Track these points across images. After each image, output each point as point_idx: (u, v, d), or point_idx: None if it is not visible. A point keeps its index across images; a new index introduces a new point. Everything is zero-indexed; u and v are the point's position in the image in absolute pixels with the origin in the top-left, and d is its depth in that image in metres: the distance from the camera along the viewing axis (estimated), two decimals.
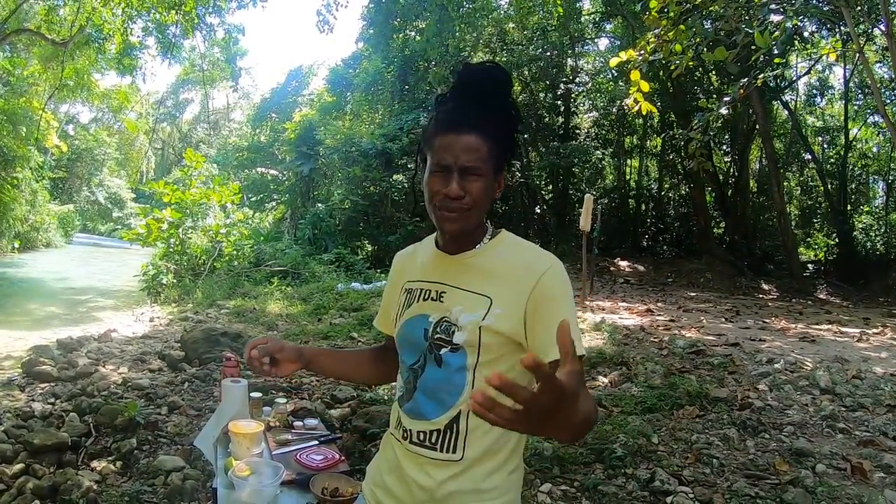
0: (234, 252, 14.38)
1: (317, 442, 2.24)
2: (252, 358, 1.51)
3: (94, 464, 4.04)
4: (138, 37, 20.49)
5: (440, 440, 1.31)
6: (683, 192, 20.38)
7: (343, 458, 2.10)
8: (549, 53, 17.83)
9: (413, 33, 18.73)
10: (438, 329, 1.33)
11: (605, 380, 5.57)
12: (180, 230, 14.40)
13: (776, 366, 5.90)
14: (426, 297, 1.39)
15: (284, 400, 2.57)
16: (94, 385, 5.59)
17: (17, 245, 23.58)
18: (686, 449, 4.02)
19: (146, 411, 4.73)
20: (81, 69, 21.56)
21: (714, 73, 16.34)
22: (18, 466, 3.93)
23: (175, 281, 13.12)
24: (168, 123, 54.82)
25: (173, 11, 17.76)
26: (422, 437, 1.33)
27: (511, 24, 18.67)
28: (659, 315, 9.71)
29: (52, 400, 5.39)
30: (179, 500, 3.60)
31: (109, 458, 4.09)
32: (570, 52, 19.08)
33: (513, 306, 1.28)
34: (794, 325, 8.94)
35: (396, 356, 1.46)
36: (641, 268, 16.55)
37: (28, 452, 4.08)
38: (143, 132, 43.55)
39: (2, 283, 15.62)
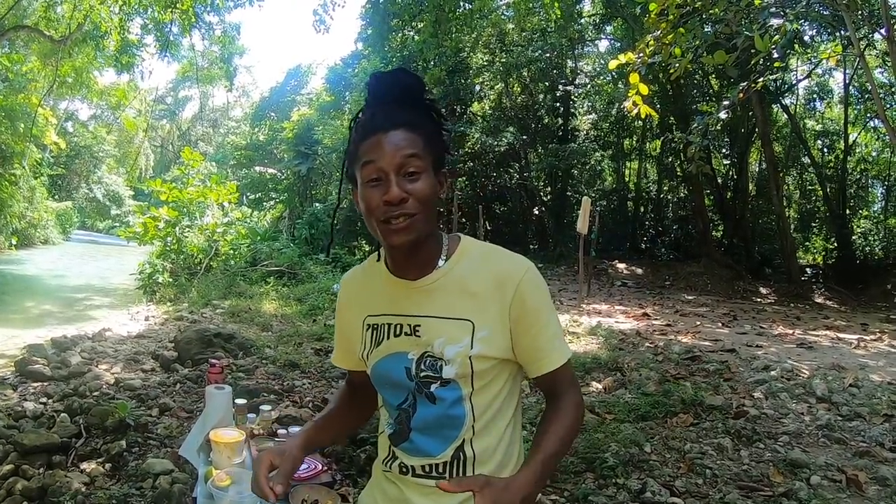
0: (231, 251, 14.40)
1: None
2: (279, 494, 1.29)
3: (84, 465, 4.01)
4: (136, 34, 20.50)
5: (448, 470, 1.26)
6: (682, 194, 20.36)
7: (326, 468, 2.07)
8: (548, 55, 17.78)
9: (411, 33, 18.70)
10: (423, 366, 1.24)
11: (599, 385, 5.54)
12: (177, 229, 14.39)
13: (772, 373, 5.86)
14: (398, 332, 1.28)
15: (269, 407, 2.53)
16: (87, 385, 5.56)
17: (14, 242, 23.62)
18: (679, 458, 3.98)
19: (137, 413, 4.71)
20: (80, 66, 21.60)
21: (714, 76, 16.34)
22: (8, 467, 3.91)
23: (171, 280, 13.10)
24: (167, 121, 54.85)
25: (171, 9, 17.74)
26: (427, 468, 1.27)
27: (510, 25, 18.64)
28: (655, 319, 9.69)
29: (45, 400, 5.37)
30: (167, 503, 3.57)
31: (99, 460, 4.06)
32: (569, 53, 19.05)
33: (497, 323, 1.22)
34: (791, 331, 8.90)
35: (365, 389, 1.41)
36: (639, 270, 16.53)
37: (18, 453, 4.06)
38: (141, 130, 43.52)
39: None
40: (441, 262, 1.26)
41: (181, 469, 3.87)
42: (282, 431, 2.36)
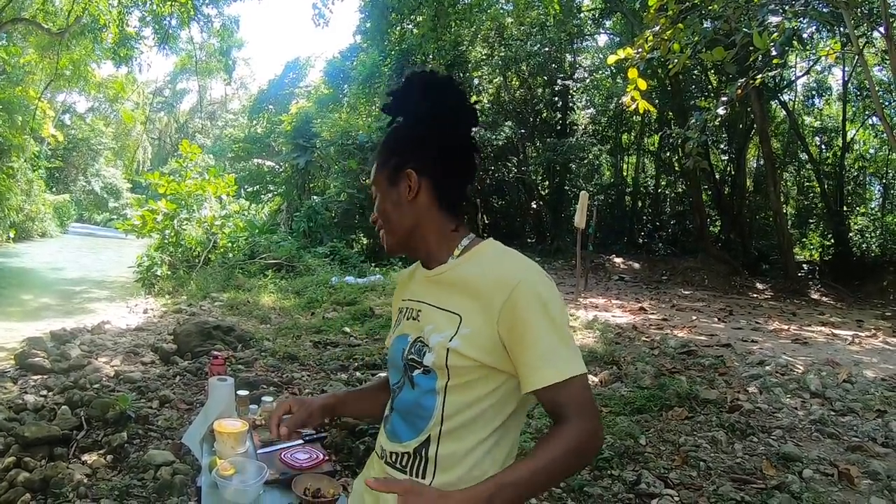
0: (229, 244, 14.38)
1: (302, 441, 2.24)
2: (282, 435, 1.51)
3: (86, 457, 4.04)
4: (135, 27, 20.46)
5: (410, 464, 1.28)
6: (680, 190, 20.40)
7: (327, 457, 2.09)
8: (547, 49, 17.78)
9: (410, 27, 18.68)
10: (412, 350, 1.29)
11: (596, 379, 5.58)
12: (175, 221, 14.37)
13: (767, 368, 5.92)
14: (409, 316, 1.38)
15: (271, 398, 2.55)
16: (87, 378, 5.59)
17: (12, 235, 23.56)
18: (673, 451, 4.03)
19: (137, 405, 4.74)
20: (78, 59, 21.56)
21: (712, 72, 16.35)
22: (10, 459, 3.93)
23: (169, 272, 13.10)
24: (165, 114, 54.69)
25: (169, 2, 17.71)
26: (394, 458, 1.31)
27: (509, 19, 18.62)
28: (652, 313, 9.74)
29: (45, 392, 5.38)
30: (168, 494, 3.60)
31: (100, 452, 4.09)
32: (568, 48, 19.05)
33: (483, 326, 1.20)
34: (786, 327, 8.96)
35: None
36: (636, 265, 16.57)
37: (20, 445, 4.08)
38: (139, 122, 43.49)
39: None
40: (452, 258, 1.33)
41: (182, 460, 3.91)
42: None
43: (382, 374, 1.74)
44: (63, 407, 4.73)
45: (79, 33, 19.27)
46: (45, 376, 5.96)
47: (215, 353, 2.73)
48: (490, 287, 1.21)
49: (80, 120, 42.22)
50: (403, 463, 1.29)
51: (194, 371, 5.84)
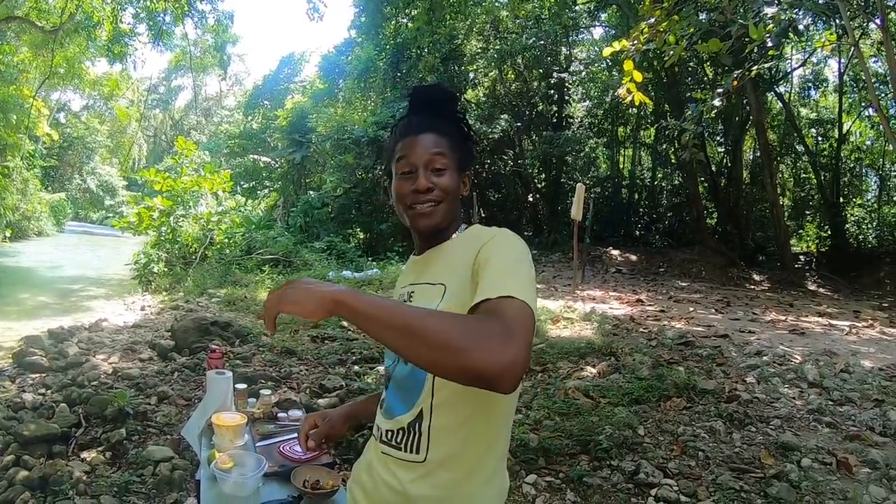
0: (226, 240, 14.41)
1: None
2: (311, 448, 1.67)
3: (85, 454, 4.05)
4: (129, 24, 20.37)
5: (404, 439, 1.30)
6: (676, 182, 20.40)
7: (326, 450, 2.09)
8: (542, 42, 17.72)
9: (405, 21, 18.64)
10: None
11: (594, 370, 5.59)
12: (171, 218, 14.38)
13: (765, 358, 5.93)
14: (402, 300, 1.43)
15: (269, 391, 2.56)
16: (85, 375, 5.59)
17: (8, 234, 23.55)
18: (672, 441, 4.04)
19: (136, 401, 4.74)
20: (72, 57, 21.55)
21: (708, 64, 16.33)
22: (9, 458, 3.95)
23: (166, 269, 13.12)
24: (160, 110, 54.62)
25: None
26: (389, 435, 1.34)
27: (504, 13, 18.58)
28: (649, 305, 9.75)
29: (43, 391, 5.39)
30: (168, 490, 3.62)
31: (99, 449, 4.10)
32: (564, 41, 19.00)
33: (462, 282, 1.24)
34: (784, 317, 8.98)
35: None
36: (633, 257, 16.59)
37: (18, 444, 4.09)
38: (134, 119, 43.34)
39: None
40: (452, 238, 1.42)
41: (181, 456, 3.92)
42: (282, 415, 2.39)
43: None
44: (61, 405, 4.73)
45: (72, 31, 19.23)
46: (44, 374, 5.96)
47: (213, 346, 2.73)
48: (468, 246, 1.29)
49: (75, 118, 42.16)
50: (399, 439, 1.32)
51: (192, 367, 5.84)
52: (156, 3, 18.35)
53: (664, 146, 19.18)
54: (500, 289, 1.07)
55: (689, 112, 6.54)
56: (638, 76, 5.67)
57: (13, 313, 9.91)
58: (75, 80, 24.68)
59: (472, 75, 19.57)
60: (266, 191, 21.03)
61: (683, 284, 12.99)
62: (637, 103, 6.04)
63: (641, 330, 7.37)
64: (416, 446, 1.28)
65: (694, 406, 4.64)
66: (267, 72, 31.61)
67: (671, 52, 5.59)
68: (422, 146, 1.36)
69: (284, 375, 5.53)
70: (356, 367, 5.83)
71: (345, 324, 7.68)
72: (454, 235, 1.42)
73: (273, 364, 5.93)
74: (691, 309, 9.51)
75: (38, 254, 20.91)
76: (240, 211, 17.81)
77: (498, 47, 18.19)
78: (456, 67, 18.14)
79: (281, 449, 2.05)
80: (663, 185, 21.33)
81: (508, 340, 0.95)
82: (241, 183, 21.04)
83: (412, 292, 1.40)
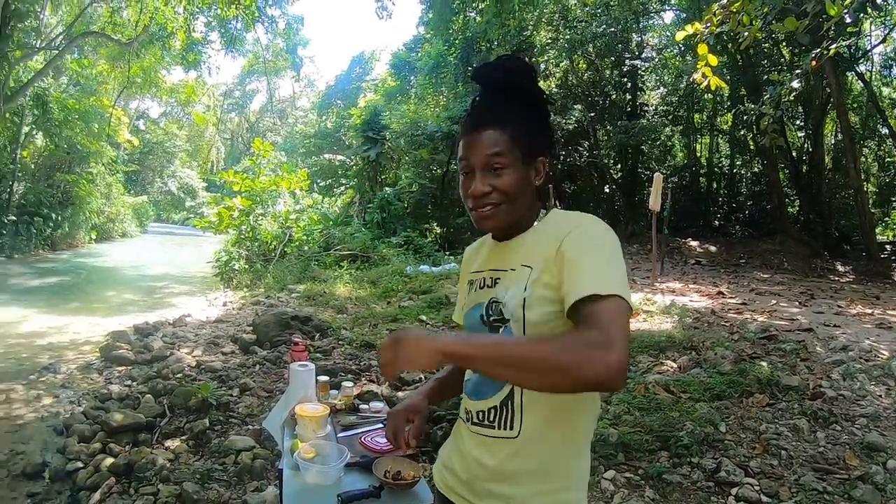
0: (304, 237, 14.70)
1: (382, 425, 2.27)
2: (411, 446, 1.62)
3: (168, 443, 4.25)
4: (201, 32, 21.17)
5: (497, 417, 1.33)
6: (756, 169, 19.64)
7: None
8: (613, 29, 17.35)
9: (473, 14, 18.60)
10: (490, 310, 1.36)
11: (674, 364, 5.45)
12: (251, 217, 14.82)
13: (850, 353, 5.63)
14: (482, 285, 1.43)
15: (351, 383, 2.61)
16: (169, 368, 5.85)
17: (94, 236, 24.80)
18: (754, 439, 3.90)
19: (218, 393, 4.91)
20: (148, 66, 22.52)
21: (784, 44, 15.61)
22: (96, 445, 4.18)
23: (247, 266, 13.53)
24: (236, 114, 56.32)
25: (233, 6, 18.17)
26: (481, 416, 1.36)
27: (573, 1, 18.29)
28: (730, 297, 9.44)
29: (129, 382, 5.68)
30: (249, 478, 3.75)
31: (183, 438, 4.29)
32: (634, 27, 18.54)
33: (549, 264, 1.25)
34: (870, 311, 8.52)
35: None
36: (713, 248, 16.08)
37: (105, 432, 4.33)
38: (211, 124, 44.98)
39: (81, 272, 16.38)
40: (533, 226, 1.39)
41: (262, 445, 4.04)
42: (363, 406, 2.43)
43: None
44: (147, 396, 4.98)
45: (147, 42, 20.11)
46: (129, 367, 6.29)
47: (296, 339, 2.80)
48: (556, 230, 1.29)
49: (154, 124, 44.01)
50: (491, 418, 1.34)
51: (273, 360, 6.01)
52: (227, 10, 18.95)
53: (742, 132, 18.44)
54: (595, 285, 1.12)
55: (767, 96, 6.29)
56: (713, 60, 5.47)
57: (100, 310, 10.40)
58: (152, 88, 25.83)
59: (543, 66, 19.33)
60: (342, 188, 21.34)
61: (765, 276, 12.51)
62: (713, 88, 5.82)
63: (722, 323, 7.13)
64: (510, 422, 1.31)
65: (777, 403, 4.46)
66: (338, 72, 32.30)
67: (745, 34, 5.35)
68: (479, 146, 1.32)
69: (364, 368, 5.61)
70: None
71: (423, 317, 7.73)
72: (535, 224, 1.39)
73: (353, 357, 6.03)
74: (773, 301, 9.15)
75: (123, 254, 21.93)
76: (317, 208, 18.16)
77: (568, 37, 17.91)
78: (527, 59, 17.98)
79: (362, 440, 2.09)
80: (742, 172, 20.58)
81: (609, 347, 1.03)
82: (318, 181, 21.43)
83: (497, 278, 1.38)
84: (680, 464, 3.59)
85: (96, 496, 3.59)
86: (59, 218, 20.84)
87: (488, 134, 1.31)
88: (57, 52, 18.39)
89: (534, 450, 1.29)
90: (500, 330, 1.33)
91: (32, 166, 20.85)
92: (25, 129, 19.53)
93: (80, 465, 3.95)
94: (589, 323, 1.09)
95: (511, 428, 1.31)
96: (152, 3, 18.02)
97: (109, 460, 3.93)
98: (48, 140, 20.30)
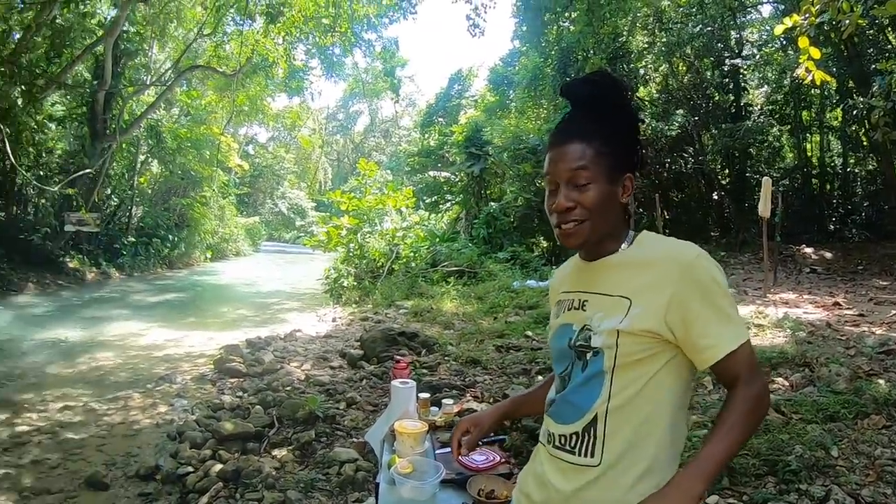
0: (411, 254, 14.90)
1: (480, 442, 2.34)
2: (464, 454, 1.76)
3: (275, 452, 4.46)
4: (302, 60, 22.14)
5: (579, 444, 1.31)
6: (871, 167, 18.31)
7: (504, 459, 2.14)
8: (710, 28, 16.71)
9: (566, 24, 18.47)
10: (580, 337, 1.34)
11: (786, 382, 5.17)
12: (359, 235, 15.26)
13: None
14: (570, 307, 1.41)
15: (452, 400, 2.70)
16: (279, 381, 6.14)
17: (209, 255, 26.35)
18: (867, 464, 3.61)
19: (325, 406, 5.12)
20: (253, 95, 23.77)
21: (890, 29, 14.52)
22: (206, 451, 4.45)
23: (355, 283, 13.91)
24: (341, 136, 58.31)
25: (330, 34, 18.88)
26: (562, 440, 1.34)
27: (666, 2, 17.79)
28: (847, 308, 8.87)
29: (240, 394, 5.99)
30: (351, 489, 3.88)
31: (289, 448, 4.50)
32: (732, 24, 17.80)
33: (653, 301, 1.26)
34: None
35: None
36: (828, 255, 15.13)
37: (216, 440, 4.61)
38: (317, 146, 46.84)
39: (196, 289, 17.40)
40: (620, 249, 1.37)
41: (366, 458, 4.19)
42: None
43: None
44: (256, 406, 5.27)
45: (251, 72, 21.32)
46: (241, 379, 6.65)
47: (398, 357, 2.92)
48: (662, 261, 1.29)
49: (263, 149, 46.31)
50: (572, 444, 1.33)
51: (380, 375, 6.18)
52: (324, 38, 19.75)
53: (853, 128, 17.28)
54: (734, 337, 1.25)
55: (876, 86, 5.92)
56: (815, 52, 5.20)
57: (214, 325, 11.00)
58: (259, 115, 27.18)
59: (641, 72, 18.89)
60: (448, 204, 21.57)
61: (884, 283, 11.65)
62: (818, 82, 5.55)
63: (838, 337, 6.72)
64: (590, 450, 1.30)
65: (894, 425, 4.13)
66: (438, 90, 32.81)
67: (847, 22, 5.07)
68: (563, 160, 1.31)
69: (469, 384, 5.63)
70: (539, 377, 5.77)
71: (529, 333, 7.66)
72: (623, 246, 1.37)
73: (458, 373, 6.06)
74: (893, 312, 8.53)
75: (237, 271, 23.12)
76: (424, 225, 18.45)
77: (664, 39, 17.44)
78: (624, 66, 17.61)
79: (459, 457, 2.16)
80: (856, 171, 19.22)
81: (764, 389, 1.29)
82: (424, 198, 21.71)
83: (585, 301, 1.38)
84: (787, 490, 3.38)
85: (204, 499, 3.81)
86: (176, 239, 22.29)
87: (573, 147, 1.30)
88: (166, 86, 19.78)
89: (615, 480, 1.27)
90: (587, 356, 1.32)
91: (149, 192, 22.44)
92: (141, 157, 21.14)
93: (190, 469, 4.18)
94: (745, 380, 1.25)
95: (592, 455, 1.29)
96: (252, 35, 19.09)
97: (218, 466, 4.15)
98: (163, 167, 21.87)
